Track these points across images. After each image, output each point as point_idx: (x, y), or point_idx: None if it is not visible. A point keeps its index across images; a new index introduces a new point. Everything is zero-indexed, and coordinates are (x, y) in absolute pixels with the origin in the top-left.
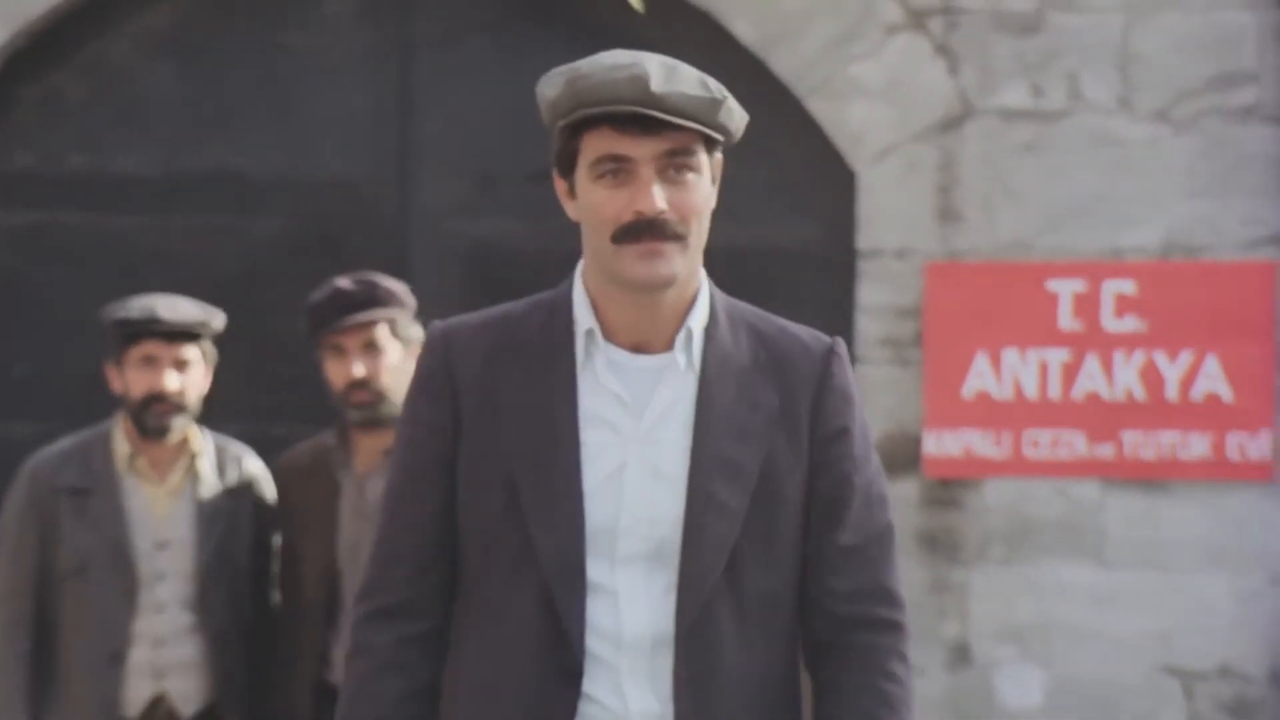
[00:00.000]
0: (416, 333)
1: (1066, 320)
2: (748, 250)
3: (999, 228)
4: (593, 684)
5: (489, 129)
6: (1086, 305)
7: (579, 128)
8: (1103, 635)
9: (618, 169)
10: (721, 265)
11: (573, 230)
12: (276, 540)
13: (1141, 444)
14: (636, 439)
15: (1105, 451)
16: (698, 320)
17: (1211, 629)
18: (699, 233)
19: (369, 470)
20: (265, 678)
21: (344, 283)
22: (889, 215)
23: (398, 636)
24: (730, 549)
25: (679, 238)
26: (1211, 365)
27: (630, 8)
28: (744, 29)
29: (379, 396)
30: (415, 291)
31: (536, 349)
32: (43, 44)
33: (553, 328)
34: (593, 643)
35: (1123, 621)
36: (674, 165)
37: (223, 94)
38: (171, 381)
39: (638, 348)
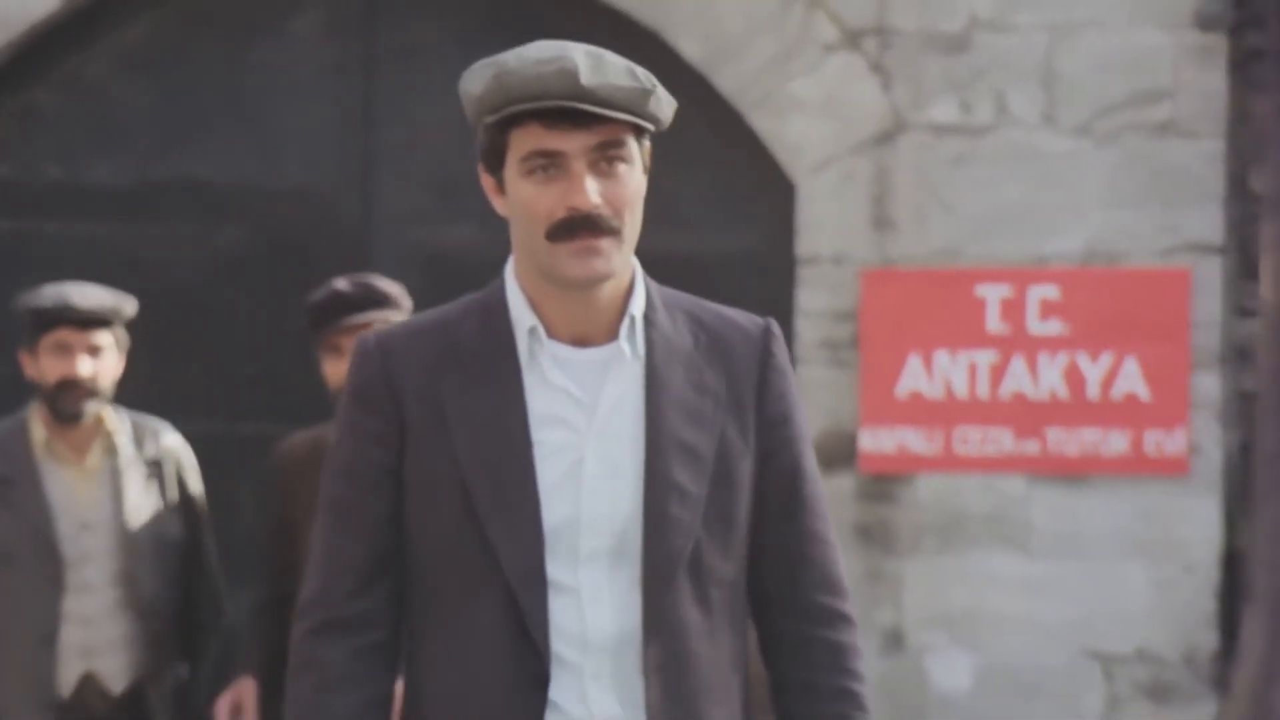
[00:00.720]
0: None
1: (994, 324)
2: (693, 257)
3: (931, 236)
4: (557, 689)
5: (448, 140)
6: (1013, 310)
7: (507, 123)
8: (1028, 621)
9: (548, 164)
10: (668, 271)
11: None
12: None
13: (1065, 441)
14: (593, 433)
15: (1031, 448)
16: (638, 307)
17: (1130, 615)
18: (633, 224)
19: None
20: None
21: (342, 284)
22: (826, 224)
23: (349, 649)
24: (694, 534)
25: (614, 231)
26: (1130, 366)
27: (585, 22)
28: (689, 47)
29: None
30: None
31: (478, 352)
32: (22, 61)
33: (492, 329)
34: (558, 645)
35: (1047, 608)
36: (605, 158)
37: (192, 108)
38: (85, 367)
39: (580, 341)
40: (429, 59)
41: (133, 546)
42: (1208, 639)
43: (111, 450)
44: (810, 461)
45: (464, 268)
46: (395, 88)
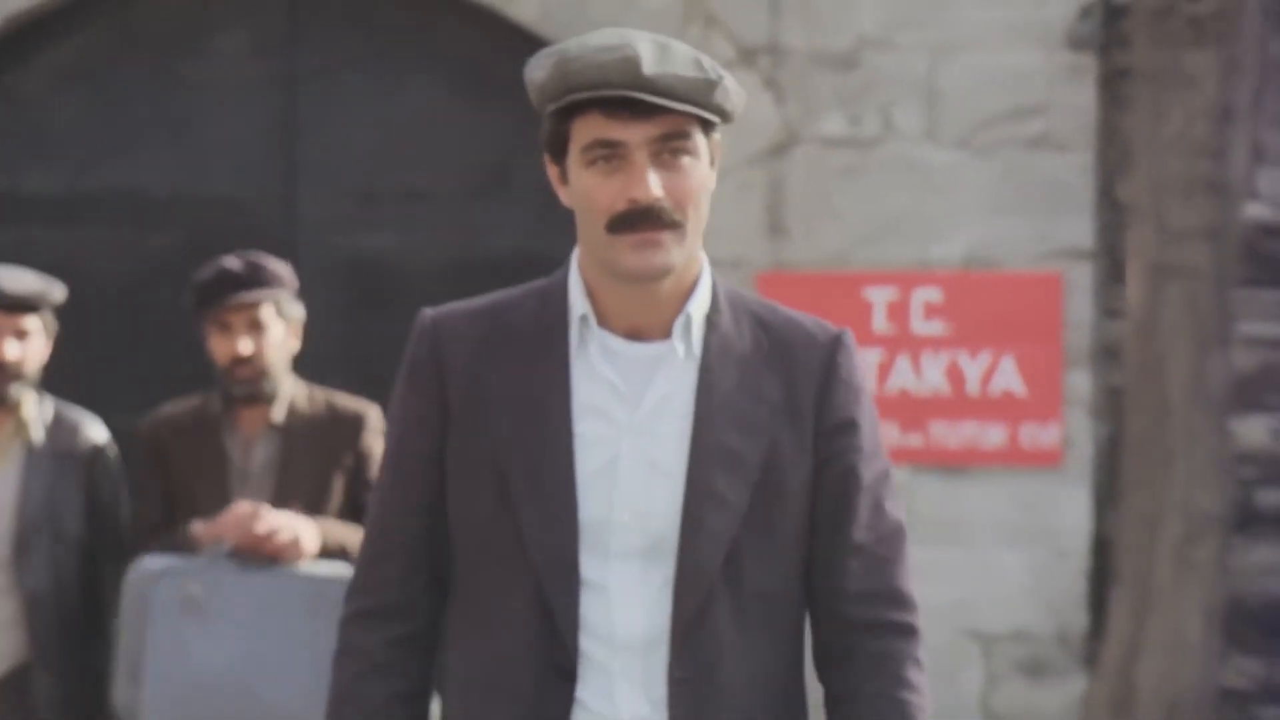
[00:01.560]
0: (299, 312)
1: (880, 324)
2: None
3: (821, 242)
4: (584, 687)
5: (368, 151)
6: (898, 311)
7: (569, 112)
8: None
9: (610, 155)
10: None
11: (445, 242)
12: (124, 503)
13: (946, 434)
14: (632, 430)
15: (914, 441)
16: (698, 307)
17: (1007, 597)
18: (697, 218)
19: (253, 437)
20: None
21: (231, 262)
22: (725, 231)
23: (386, 638)
24: (729, 543)
25: (675, 225)
26: (1007, 364)
27: (493, 41)
28: None
29: (262, 372)
30: (300, 301)
31: (528, 336)
32: None
33: (546, 314)
34: (585, 642)
35: (929, 592)
36: (668, 149)
37: (123, 120)
38: (11, 350)
39: (634, 334)
40: (348, 75)
41: (24, 534)
42: (1078, 619)
43: (23, 438)
44: (872, 471)
45: (382, 273)
46: (316, 102)
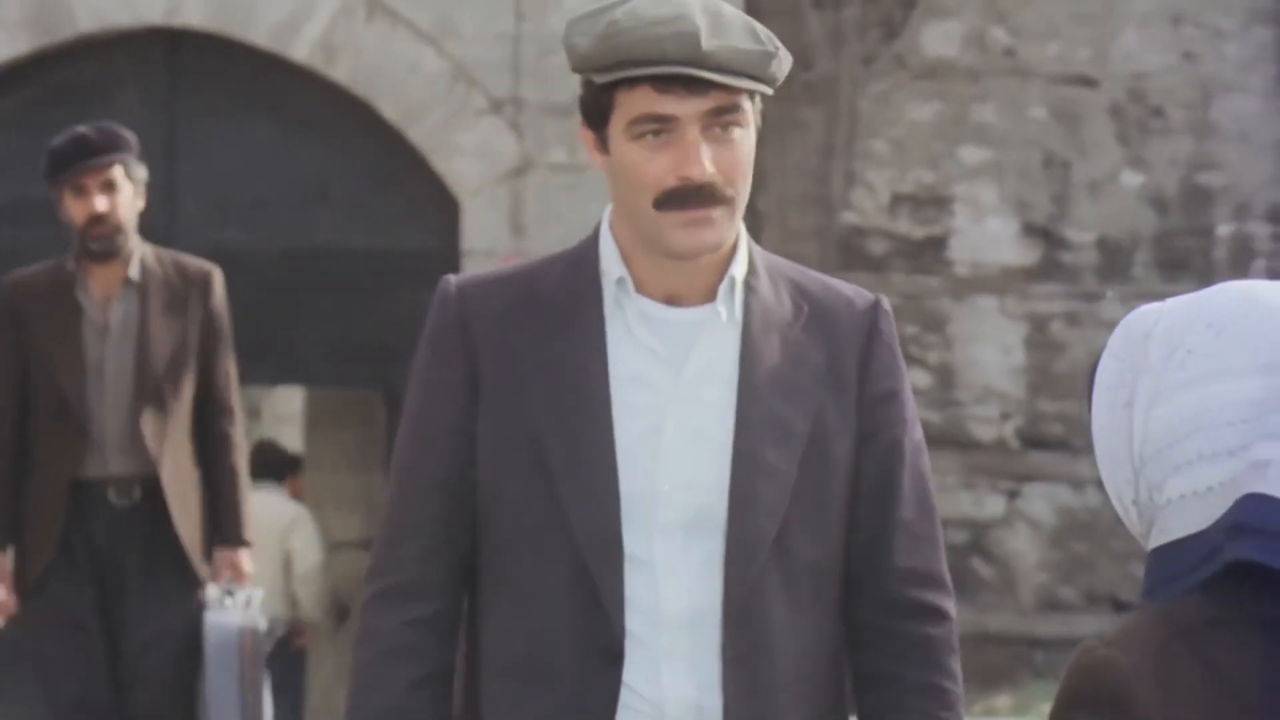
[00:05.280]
0: (143, 173)
1: None
2: (391, 251)
3: (549, 237)
4: (630, 669)
5: (225, 172)
6: None
7: (614, 82)
8: None
9: (659, 129)
10: (376, 260)
11: (281, 236)
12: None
13: None
14: (675, 398)
15: None
16: (740, 270)
17: None
18: (745, 189)
19: (108, 295)
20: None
21: (85, 130)
22: (481, 229)
23: (406, 618)
24: (781, 516)
25: (728, 200)
26: None
27: (315, 91)
28: (389, 111)
29: (117, 228)
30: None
31: (560, 301)
32: None
33: (577, 279)
34: (631, 621)
35: None
36: (720, 123)
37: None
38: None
39: (672, 299)
40: (212, 118)
41: None
42: None
43: None
44: (913, 446)
45: (236, 260)
46: (189, 137)
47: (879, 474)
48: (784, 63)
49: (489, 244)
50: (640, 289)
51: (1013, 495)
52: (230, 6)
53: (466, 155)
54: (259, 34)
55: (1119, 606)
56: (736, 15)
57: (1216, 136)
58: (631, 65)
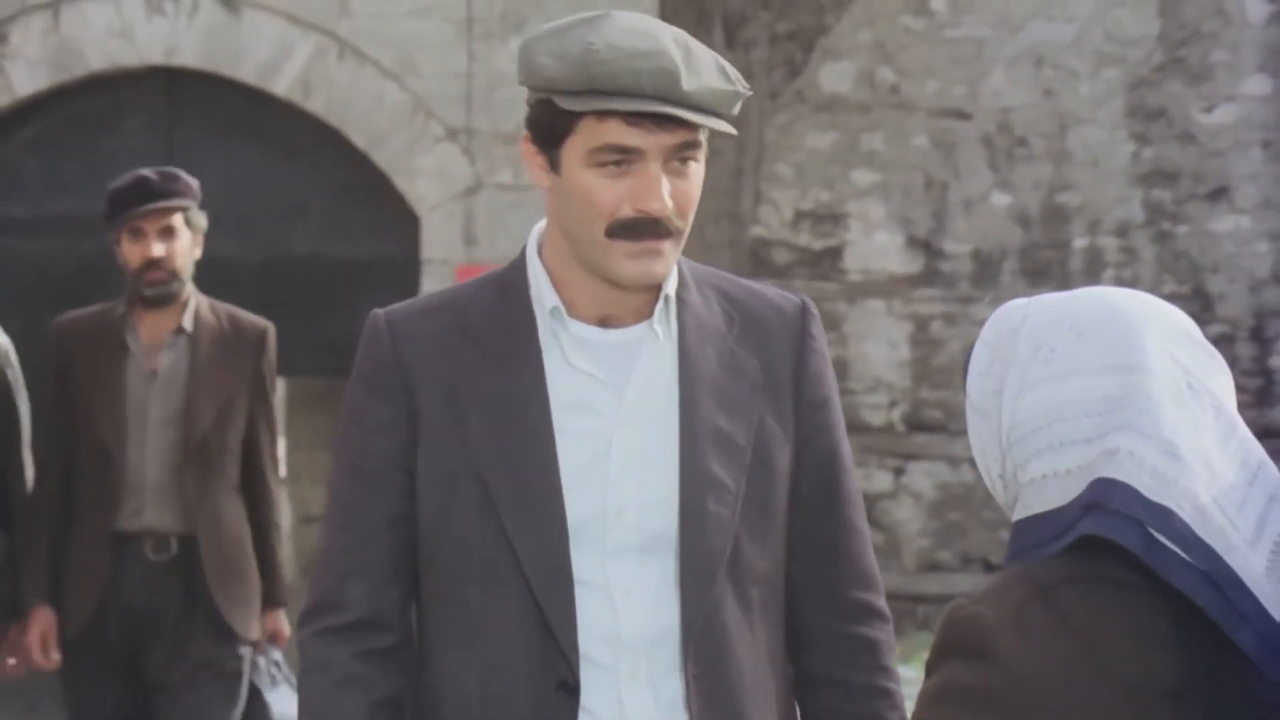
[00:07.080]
0: (203, 222)
1: None
2: (360, 259)
3: (498, 247)
4: (590, 693)
5: (217, 191)
6: None
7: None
8: None
9: (622, 159)
10: (343, 269)
11: (264, 248)
12: (22, 410)
13: None
14: (620, 420)
15: None
16: (672, 287)
17: None
18: (690, 221)
19: (157, 342)
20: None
21: (147, 173)
22: (438, 240)
23: (358, 650)
24: (733, 532)
25: (677, 233)
26: None
27: (294, 120)
28: (358, 137)
29: (173, 274)
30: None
31: (495, 332)
32: None
33: (509, 308)
34: (588, 646)
35: None
36: (680, 157)
37: (67, 171)
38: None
39: (605, 321)
40: (206, 143)
41: None
42: None
43: None
44: (846, 449)
45: (224, 269)
46: (185, 160)
47: (819, 478)
48: (741, 100)
49: (445, 254)
50: (572, 312)
51: (898, 472)
52: (221, 48)
53: (426, 176)
54: (246, 72)
55: (989, 568)
56: (704, 51)
57: (1072, 162)
58: (605, 96)
